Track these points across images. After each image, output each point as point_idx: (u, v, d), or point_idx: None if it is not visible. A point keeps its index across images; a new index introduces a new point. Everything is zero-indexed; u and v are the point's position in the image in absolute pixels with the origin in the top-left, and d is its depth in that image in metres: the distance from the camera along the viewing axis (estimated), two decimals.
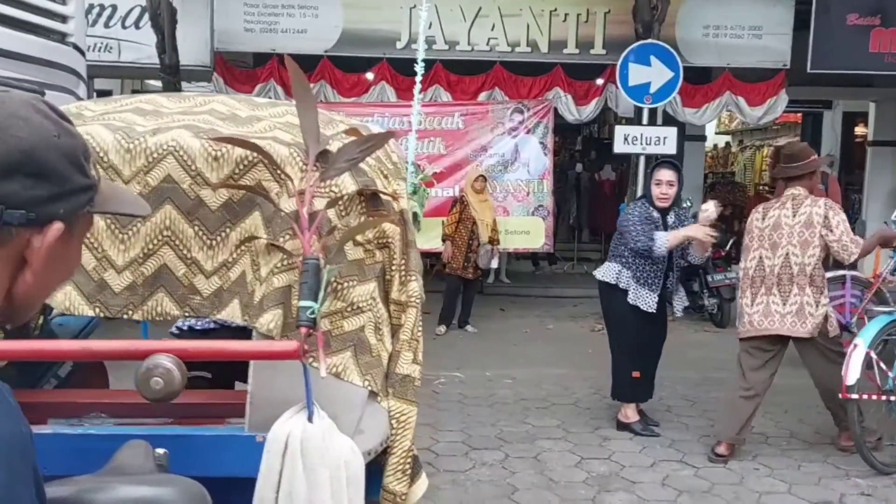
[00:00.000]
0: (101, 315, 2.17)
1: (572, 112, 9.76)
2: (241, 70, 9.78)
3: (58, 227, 0.91)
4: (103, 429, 2.12)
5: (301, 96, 2.16)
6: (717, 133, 17.97)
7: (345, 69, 9.62)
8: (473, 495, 4.02)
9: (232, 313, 2.11)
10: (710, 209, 4.76)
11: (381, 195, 2.16)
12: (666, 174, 4.83)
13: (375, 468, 2.08)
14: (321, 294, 1.88)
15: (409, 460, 2.13)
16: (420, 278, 2.28)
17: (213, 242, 2.11)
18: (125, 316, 2.14)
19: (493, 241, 8.09)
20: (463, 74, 9.69)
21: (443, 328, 7.99)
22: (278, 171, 2.05)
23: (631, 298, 4.83)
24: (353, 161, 2.07)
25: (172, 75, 8.71)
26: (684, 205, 10.02)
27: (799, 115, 15.47)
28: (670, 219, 4.89)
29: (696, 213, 9.91)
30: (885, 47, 9.20)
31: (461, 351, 7.17)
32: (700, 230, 4.67)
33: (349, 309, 2.07)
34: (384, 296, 2.18)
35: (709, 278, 8.57)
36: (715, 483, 4.23)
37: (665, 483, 4.22)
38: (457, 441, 4.78)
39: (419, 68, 2.76)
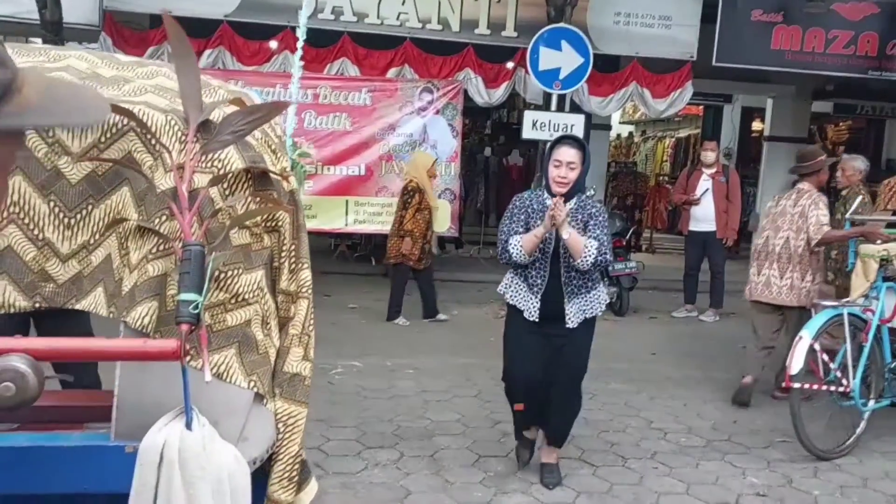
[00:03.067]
0: None
1: (482, 95, 9.59)
2: (133, 32, 9.12)
3: None
4: None
5: (181, 57, 1.89)
6: (620, 122, 18.20)
7: (246, 36, 9.11)
8: (364, 499, 3.79)
9: (94, 303, 1.84)
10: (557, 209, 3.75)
11: (271, 174, 1.93)
12: (567, 153, 3.91)
13: (259, 476, 1.89)
14: (206, 286, 1.66)
15: (296, 466, 1.95)
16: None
17: (72, 221, 1.83)
18: None
19: None
20: (372, 48, 9.36)
21: (403, 320, 7.59)
22: (153, 142, 1.80)
23: (510, 296, 4.01)
24: (239, 133, 1.83)
25: (55, 33, 8.01)
26: (588, 192, 10.09)
27: (701, 107, 15.83)
28: (568, 208, 3.87)
29: (601, 200, 10.05)
30: (787, 44, 9.42)
31: (363, 338, 6.91)
32: (547, 222, 3.76)
33: (233, 301, 1.84)
34: (271, 285, 1.96)
35: (609, 267, 8.59)
36: (614, 483, 4.15)
37: (564, 483, 4.10)
38: (350, 439, 4.52)
39: (301, 33, 2.52)
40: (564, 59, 8.65)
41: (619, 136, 18.80)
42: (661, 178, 15.93)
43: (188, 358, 1.67)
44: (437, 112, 9.14)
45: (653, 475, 4.29)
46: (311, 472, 2.06)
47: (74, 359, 1.72)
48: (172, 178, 1.77)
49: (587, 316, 3.96)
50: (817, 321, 4.68)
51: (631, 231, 10.25)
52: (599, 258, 3.79)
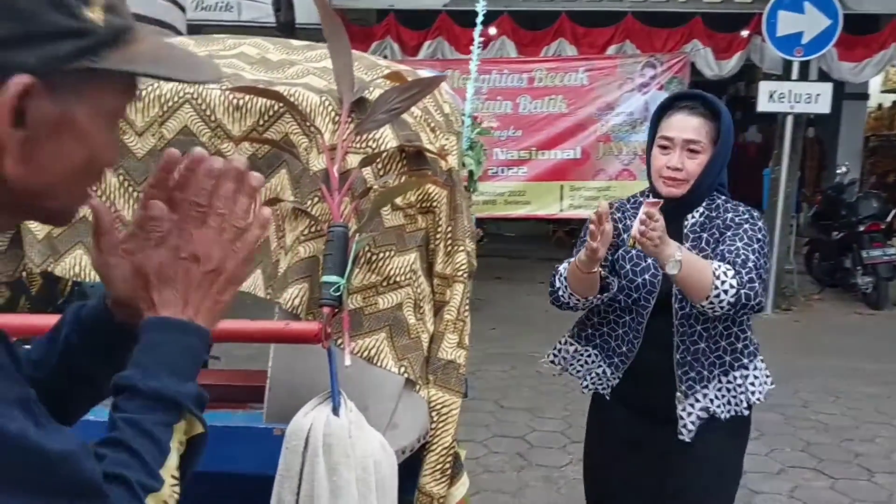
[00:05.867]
0: None
1: (711, 67, 8.92)
2: (359, 27, 9.55)
3: (20, 81, 0.69)
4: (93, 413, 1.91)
5: (333, 36, 1.86)
6: (882, 91, 16.11)
7: (463, 24, 9.19)
8: (566, 496, 3.59)
9: (253, 284, 1.86)
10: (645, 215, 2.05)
11: (427, 153, 1.86)
12: (685, 124, 2.17)
13: (410, 464, 1.83)
14: (348, 268, 1.64)
15: (449, 458, 1.87)
16: (473, 247, 1.99)
17: None
18: None
19: None
20: (590, 27, 9.04)
21: None
22: (307, 123, 1.80)
23: (581, 373, 2.40)
24: (395, 111, 1.77)
25: (288, 34, 8.59)
26: (840, 170, 9.02)
27: None
28: (690, 222, 2.22)
29: (856, 179, 8.75)
30: None
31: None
32: (591, 241, 2.05)
33: (385, 283, 1.81)
34: (426, 268, 1.91)
35: (863, 254, 7.60)
36: (856, 500, 3.59)
37: (793, 495, 3.63)
38: (555, 431, 4.35)
39: (480, 8, 2.43)
40: (807, 22, 7.81)
41: (880, 105, 16.69)
42: None
43: (339, 340, 1.63)
44: (661, 87, 8.59)
45: None
46: (463, 467, 2.00)
47: (219, 339, 1.76)
48: (325, 160, 1.77)
49: (725, 416, 2.19)
50: None
51: (892, 213, 9.05)
52: (744, 292, 2.00)
